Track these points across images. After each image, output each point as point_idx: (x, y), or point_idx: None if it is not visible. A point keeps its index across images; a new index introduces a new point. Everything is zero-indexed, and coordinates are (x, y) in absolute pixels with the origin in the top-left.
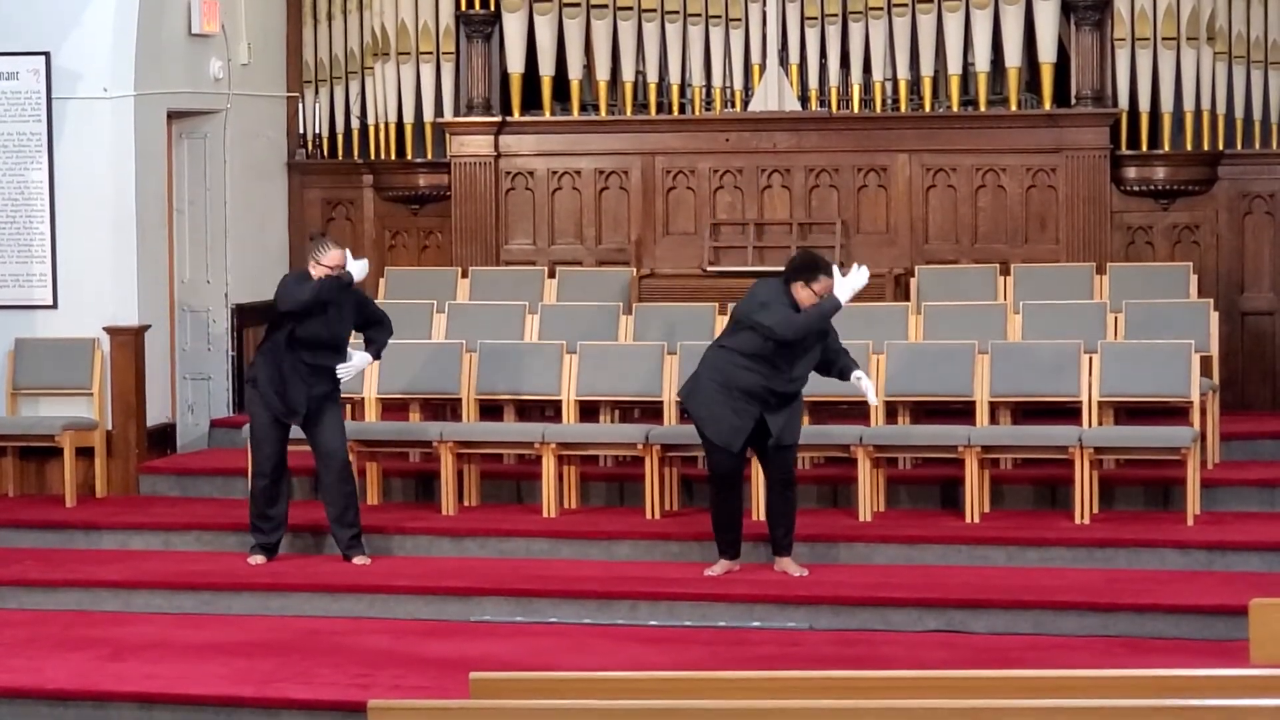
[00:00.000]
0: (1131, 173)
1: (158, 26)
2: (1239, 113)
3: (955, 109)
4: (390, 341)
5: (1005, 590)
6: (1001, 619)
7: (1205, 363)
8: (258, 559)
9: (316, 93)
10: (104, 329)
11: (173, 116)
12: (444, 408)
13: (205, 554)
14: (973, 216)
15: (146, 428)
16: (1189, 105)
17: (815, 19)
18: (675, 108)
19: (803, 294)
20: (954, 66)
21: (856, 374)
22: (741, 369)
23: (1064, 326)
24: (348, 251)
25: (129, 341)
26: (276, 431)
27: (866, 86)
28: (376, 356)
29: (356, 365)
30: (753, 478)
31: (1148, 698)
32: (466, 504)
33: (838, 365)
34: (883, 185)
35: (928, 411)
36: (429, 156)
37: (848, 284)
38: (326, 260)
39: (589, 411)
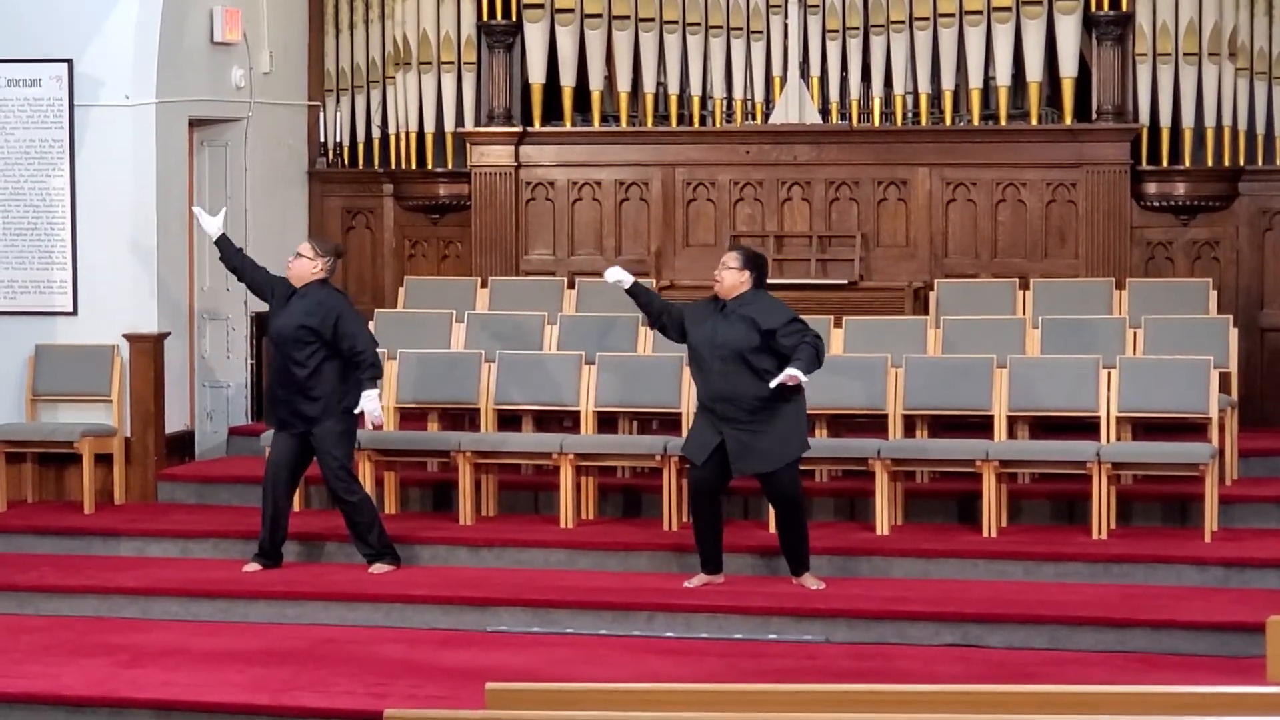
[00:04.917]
0: (1152, 188)
1: (180, 34)
2: (1260, 129)
3: (976, 123)
4: (410, 351)
5: (1022, 605)
6: (1018, 634)
7: (1224, 379)
8: (251, 567)
9: (338, 101)
10: (124, 336)
11: (194, 124)
12: (462, 417)
13: (223, 561)
14: (992, 230)
15: (165, 435)
16: (1210, 121)
17: (837, 32)
18: (696, 119)
19: None
20: (975, 80)
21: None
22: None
23: (1083, 341)
24: (199, 210)
25: (148, 349)
26: (282, 441)
27: (887, 100)
28: (375, 380)
29: (370, 408)
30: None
31: (1164, 714)
32: (484, 514)
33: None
34: (903, 199)
35: (946, 425)
36: (449, 166)
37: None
38: None
39: (607, 422)
